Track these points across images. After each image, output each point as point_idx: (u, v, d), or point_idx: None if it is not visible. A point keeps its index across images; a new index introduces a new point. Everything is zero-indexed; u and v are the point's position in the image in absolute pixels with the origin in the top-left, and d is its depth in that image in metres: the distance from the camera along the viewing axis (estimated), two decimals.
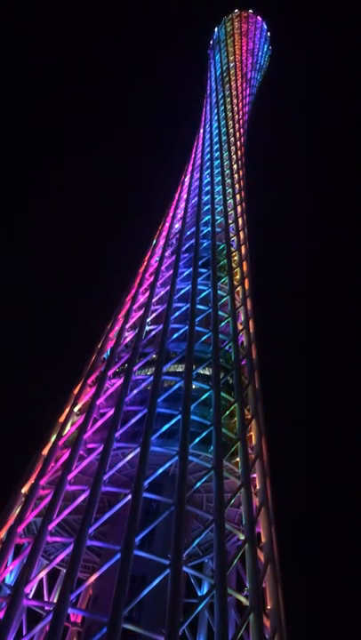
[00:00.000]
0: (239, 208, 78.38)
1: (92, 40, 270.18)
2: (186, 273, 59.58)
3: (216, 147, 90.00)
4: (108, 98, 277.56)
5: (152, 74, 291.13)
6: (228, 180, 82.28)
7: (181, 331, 51.86)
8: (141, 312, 55.31)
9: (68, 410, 48.61)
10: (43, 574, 39.37)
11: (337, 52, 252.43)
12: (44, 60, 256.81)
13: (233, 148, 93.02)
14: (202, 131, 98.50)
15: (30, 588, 36.03)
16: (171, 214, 75.28)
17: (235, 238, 71.31)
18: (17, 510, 41.40)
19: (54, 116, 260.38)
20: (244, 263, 68.21)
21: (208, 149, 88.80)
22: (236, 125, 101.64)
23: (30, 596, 36.45)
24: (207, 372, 49.23)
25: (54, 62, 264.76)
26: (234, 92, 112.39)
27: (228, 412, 46.66)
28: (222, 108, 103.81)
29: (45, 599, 43.35)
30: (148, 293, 57.98)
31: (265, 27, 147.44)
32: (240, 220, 76.04)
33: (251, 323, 60.05)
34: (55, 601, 35.89)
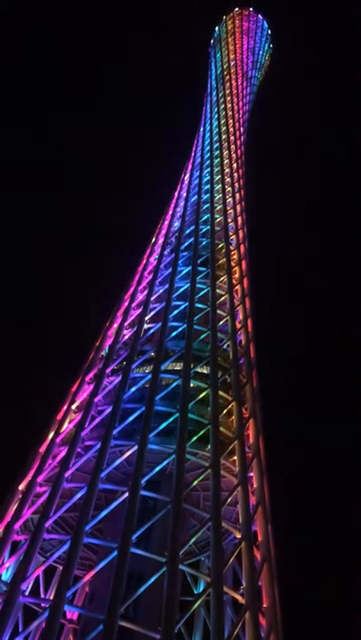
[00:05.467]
0: (238, 207, 78.39)
1: (92, 37, 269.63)
2: (185, 271, 59.59)
3: (216, 145, 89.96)
4: (108, 96, 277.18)
5: (153, 71, 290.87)
6: (228, 179, 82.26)
7: (180, 329, 51.91)
8: (140, 310, 55.33)
9: (65, 407, 48.65)
10: (39, 571, 39.39)
11: (338, 50, 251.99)
12: (43, 57, 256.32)
13: (233, 146, 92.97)
14: (202, 129, 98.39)
15: (27, 585, 36.11)
16: (170, 212, 75.26)
17: (234, 237, 71.33)
18: (14, 507, 41.43)
19: (55, 113, 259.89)
20: (243, 262, 68.27)
21: (208, 148, 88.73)
22: (237, 124, 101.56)
23: (27, 593, 36.54)
24: (205, 370, 49.25)
25: (53, 59, 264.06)
26: (234, 91, 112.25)
27: (225, 411, 46.72)
28: (222, 106, 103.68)
29: (42, 596, 43.40)
30: (146, 291, 57.99)
31: (266, 25, 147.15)
32: (239, 218, 76.04)
33: (249, 321, 60.12)
34: (51, 598, 35.93)
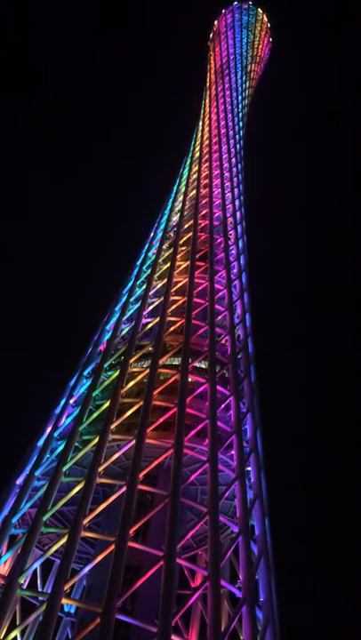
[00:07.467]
0: (237, 201, 78.24)
1: (91, 31, 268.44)
2: (183, 266, 59.52)
3: (215, 140, 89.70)
4: (108, 89, 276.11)
5: (152, 65, 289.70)
6: (227, 174, 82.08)
7: (178, 324, 51.87)
8: (138, 304, 55.29)
9: (63, 401, 48.65)
10: (37, 565, 39.52)
11: (338, 46, 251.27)
12: (42, 55, 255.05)
13: (232, 141, 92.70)
14: (201, 123, 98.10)
15: (24, 579, 36.17)
16: (169, 207, 75.08)
17: (232, 232, 71.19)
18: (12, 501, 41.48)
19: (55, 108, 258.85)
20: (242, 257, 68.22)
21: (207, 142, 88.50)
22: (236, 118, 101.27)
23: (24, 587, 36.60)
24: (203, 365, 49.25)
25: (52, 56, 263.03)
26: (233, 85, 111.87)
27: (223, 406, 46.74)
28: (222, 100, 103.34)
29: (39, 589, 43.54)
30: (145, 286, 57.91)
31: (266, 19, 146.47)
32: (238, 213, 75.91)
33: (247, 316, 60.08)
34: (49, 591, 36.03)
